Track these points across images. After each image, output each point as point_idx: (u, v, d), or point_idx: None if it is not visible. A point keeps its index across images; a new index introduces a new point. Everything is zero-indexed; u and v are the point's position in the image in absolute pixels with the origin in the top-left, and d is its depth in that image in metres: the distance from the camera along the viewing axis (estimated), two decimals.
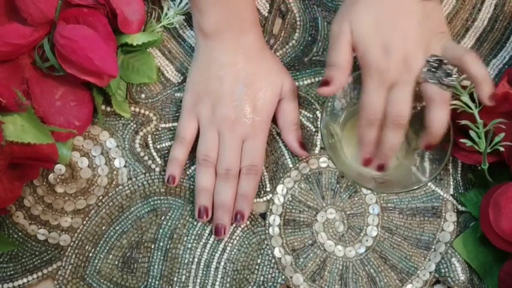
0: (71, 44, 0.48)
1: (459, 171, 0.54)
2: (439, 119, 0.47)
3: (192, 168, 0.55)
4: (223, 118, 0.52)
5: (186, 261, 0.52)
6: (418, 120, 0.51)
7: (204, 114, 0.53)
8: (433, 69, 0.46)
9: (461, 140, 0.49)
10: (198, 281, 0.52)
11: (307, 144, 0.55)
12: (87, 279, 0.51)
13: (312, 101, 0.57)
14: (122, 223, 0.53)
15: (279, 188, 0.54)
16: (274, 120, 0.55)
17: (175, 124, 0.56)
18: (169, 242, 0.52)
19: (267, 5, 0.59)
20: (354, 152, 0.53)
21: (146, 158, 0.55)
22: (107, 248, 0.52)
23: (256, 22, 0.54)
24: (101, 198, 0.54)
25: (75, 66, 0.49)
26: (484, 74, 0.46)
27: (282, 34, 0.58)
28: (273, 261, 0.52)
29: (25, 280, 0.51)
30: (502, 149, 0.48)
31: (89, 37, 0.48)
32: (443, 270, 0.51)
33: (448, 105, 0.48)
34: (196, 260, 0.52)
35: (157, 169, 0.55)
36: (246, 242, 0.53)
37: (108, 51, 0.49)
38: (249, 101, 0.52)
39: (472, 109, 0.48)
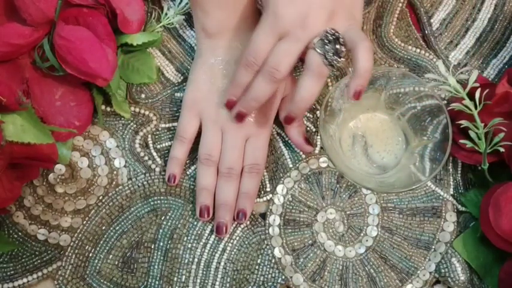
0: (67, 45, 0.48)
1: (459, 171, 0.54)
2: (307, 88, 0.47)
3: (192, 168, 0.55)
4: (227, 117, 0.52)
5: (186, 261, 0.52)
6: (418, 120, 0.51)
7: (208, 113, 0.53)
8: (326, 41, 0.45)
9: (461, 141, 0.50)
10: (198, 281, 0.52)
11: None
12: (87, 279, 0.51)
13: None
14: (122, 223, 0.53)
15: (279, 188, 0.54)
16: (274, 120, 0.55)
17: (175, 124, 0.56)
18: (169, 242, 0.52)
19: None
20: (353, 152, 0.53)
21: (146, 158, 0.55)
22: (107, 248, 0.52)
23: (258, 21, 0.54)
24: (101, 198, 0.54)
25: (72, 66, 0.49)
26: (366, 68, 0.45)
27: None
28: (273, 261, 0.52)
29: (25, 280, 0.51)
30: (502, 149, 0.49)
31: (85, 39, 0.48)
32: (443, 270, 0.51)
33: (322, 81, 0.47)
34: (196, 260, 0.52)
35: (157, 169, 0.55)
36: (246, 242, 0.53)
37: (104, 54, 0.49)
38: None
39: (471, 110, 0.49)
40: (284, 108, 0.54)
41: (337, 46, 0.45)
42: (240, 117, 0.51)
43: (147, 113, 0.56)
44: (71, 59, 0.48)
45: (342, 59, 0.46)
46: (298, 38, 0.46)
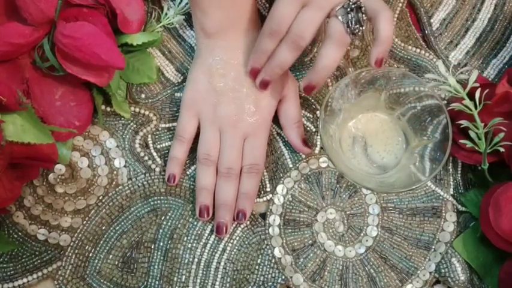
0: (74, 42, 0.47)
1: (459, 171, 0.54)
2: (328, 56, 0.47)
3: (192, 168, 0.55)
4: (225, 117, 0.52)
5: (186, 261, 0.52)
6: (418, 120, 0.51)
7: (206, 113, 0.53)
8: (348, 10, 0.46)
9: (461, 141, 0.50)
10: (198, 281, 0.52)
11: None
12: (87, 279, 0.51)
13: (312, 101, 0.57)
14: (122, 223, 0.53)
15: (279, 188, 0.54)
16: (274, 120, 0.55)
17: (175, 124, 0.56)
18: (169, 242, 0.52)
19: (267, 5, 0.59)
20: (353, 152, 0.53)
21: (146, 158, 0.55)
22: (107, 248, 0.52)
23: (257, 21, 0.54)
24: (101, 198, 0.54)
25: (80, 64, 0.49)
26: (388, 36, 0.46)
27: None
28: (273, 261, 0.52)
29: (25, 280, 0.51)
30: (502, 149, 0.49)
31: (91, 33, 0.48)
32: (443, 270, 0.51)
33: (343, 50, 0.47)
34: (196, 260, 0.52)
35: (157, 169, 0.55)
36: (246, 242, 0.53)
37: (112, 44, 0.49)
38: (251, 99, 0.52)
39: (471, 110, 0.49)
40: (282, 114, 0.54)
41: (359, 14, 0.46)
42: (264, 85, 0.51)
43: (147, 113, 0.56)
44: (81, 56, 0.48)
45: (363, 27, 0.46)
46: (321, 6, 0.46)
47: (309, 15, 0.47)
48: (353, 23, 0.46)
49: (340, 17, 0.46)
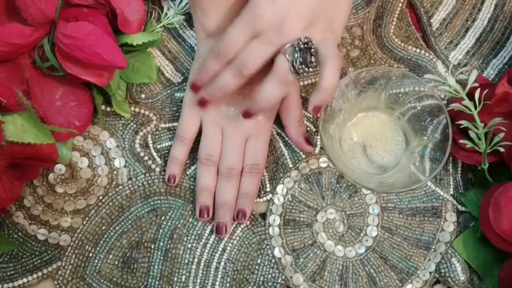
0: (76, 43, 0.47)
1: (459, 171, 0.54)
2: (269, 91, 0.47)
3: (192, 168, 0.55)
4: (227, 117, 0.52)
5: (186, 261, 0.52)
6: (418, 120, 0.51)
7: (208, 113, 0.53)
8: (297, 49, 0.45)
9: (461, 141, 0.50)
10: (198, 281, 0.52)
11: None
12: (87, 279, 0.51)
13: None
14: (122, 223, 0.53)
15: (279, 188, 0.54)
16: (274, 120, 0.55)
17: (175, 124, 0.56)
18: (169, 242, 0.52)
19: None
20: (353, 152, 0.53)
21: (146, 158, 0.55)
22: (107, 248, 0.52)
23: None
24: (101, 198, 0.54)
25: (80, 64, 0.49)
26: (329, 85, 0.45)
27: None
28: (273, 261, 0.52)
29: (25, 280, 0.51)
30: (502, 149, 0.49)
31: (92, 33, 0.48)
32: (443, 270, 0.51)
33: (285, 87, 0.47)
34: (196, 260, 0.52)
35: (157, 169, 0.55)
36: (246, 242, 0.53)
37: (113, 44, 0.49)
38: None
39: (471, 110, 0.49)
40: (284, 113, 0.54)
41: (307, 56, 0.45)
42: (202, 103, 0.52)
43: (147, 113, 0.56)
44: (82, 56, 0.48)
45: (311, 69, 0.46)
46: (271, 41, 0.46)
47: (257, 47, 0.46)
48: (298, 63, 0.45)
49: (287, 55, 0.45)
